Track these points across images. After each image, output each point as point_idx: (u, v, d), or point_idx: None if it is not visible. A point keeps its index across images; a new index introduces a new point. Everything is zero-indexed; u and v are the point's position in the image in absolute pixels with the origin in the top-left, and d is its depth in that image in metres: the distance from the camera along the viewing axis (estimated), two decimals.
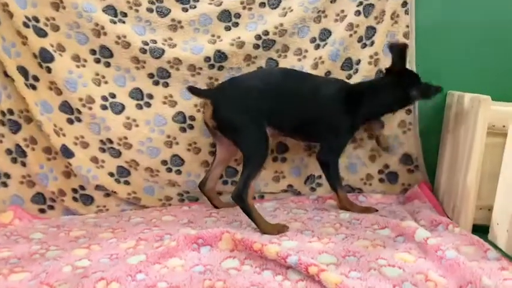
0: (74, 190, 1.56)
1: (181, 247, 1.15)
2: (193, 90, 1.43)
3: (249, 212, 1.33)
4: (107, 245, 1.23)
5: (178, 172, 1.60)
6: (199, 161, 1.61)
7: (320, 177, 1.67)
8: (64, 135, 1.51)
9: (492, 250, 1.11)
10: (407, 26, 1.61)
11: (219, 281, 1.02)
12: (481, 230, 1.27)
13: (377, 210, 1.47)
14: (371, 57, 1.60)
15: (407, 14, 1.60)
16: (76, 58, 1.51)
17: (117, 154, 1.56)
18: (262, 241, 1.16)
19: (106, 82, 1.54)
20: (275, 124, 1.43)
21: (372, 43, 1.60)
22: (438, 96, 1.62)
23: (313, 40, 1.61)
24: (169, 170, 1.60)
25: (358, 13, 1.57)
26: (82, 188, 1.57)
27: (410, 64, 1.63)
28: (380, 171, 1.68)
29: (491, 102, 1.21)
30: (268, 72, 1.53)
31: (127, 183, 1.58)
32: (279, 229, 1.30)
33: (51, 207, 1.56)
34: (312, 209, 1.52)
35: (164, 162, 1.59)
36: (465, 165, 1.28)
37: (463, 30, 1.63)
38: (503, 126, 1.20)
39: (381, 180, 1.68)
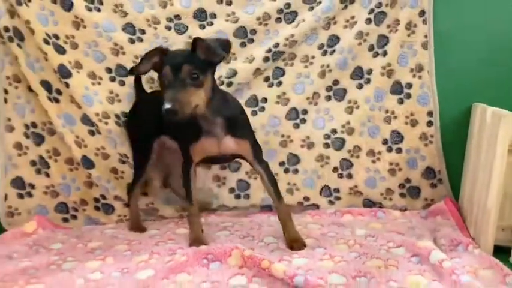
0: (96, 199, 1.61)
1: (190, 262, 1.16)
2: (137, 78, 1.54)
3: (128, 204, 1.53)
4: (121, 257, 1.25)
5: None
6: (211, 175, 1.62)
7: (337, 190, 1.64)
8: (85, 146, 1.55)
9: None
10: (426, 36, 1.56)
11: None
12: (505, 251, 1.21)
13: (305, 246, 1.28)
14: (383, 67, 1.57)
15: (426, 23, 1.55)
16: (92, 76, 1.54)
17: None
18: (272, 258, 1.15)
19: (119, 101, 1.56)
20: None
21: (385, 53, 1.56)
22: (463, 108, 1.58)
23: (320, 46, 1.59)
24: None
25: (368, 21, 1.54)
26: (103, 197, 1.60)
27: (430, 75, 1.57)
28: (401, 186, 1.63)
29: None
30: None
31: (145, 194, 1.61)
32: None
33: (74, 217, 1.61)
34: (328, 224, 1.49)
35: None
36: (486, 183, 1.22)
37: (485, 38, 1.56)
38: None
39: (402, 195, 1.63)
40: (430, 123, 1.59)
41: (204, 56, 1.16)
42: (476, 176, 1.34)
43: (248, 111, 1.59)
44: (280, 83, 1.60)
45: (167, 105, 1.08)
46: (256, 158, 1.32)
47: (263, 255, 1.18)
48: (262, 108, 1.61)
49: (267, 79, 1.60)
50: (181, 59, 1.14)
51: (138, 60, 1.51)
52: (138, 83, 1.55)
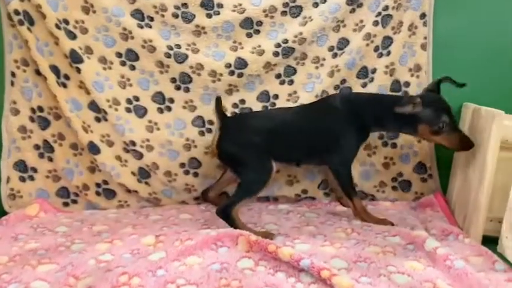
0: (98, 184, 1.63)
1: (199, 246, 1.21)
2: (218, 102, 1.52)
3: (235, 225, 1.36)
4: (128, 240, 1.28)
5: (196, 174, 1.66)
6: (216, 163, 1.66)
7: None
8: (92, 131, 1.57)
9: (500, 262, 1.14)
10: (425, 38, 1.64)
11: (234, 280, 1.07)
12: (492, 241, 1.29)
13: (393, 224, 1.42)
14: (387, 67, 1.64)
15: (426, 25, 1.63)
16: (103, 60, 1.57)
17: (139, 156, 1.61)
18: (277, 243, 1.20)
19: (131, 85, 1.60)
20: (283, 159, 1.49)
21: (388, 53, 1.64)
22: (454, 108, 1.67)
23: (331, 49, 1.65)
24: (186, 173, 1.65)
25: (376, 23, 1.61)
26: (105, 182, 1.63)
27: (427, 75, 1.66)
28: (393, 179, 1.71)
29: (505, 117, 1.24)
30: (275, 111, 1.61)
31: (147, 184, 1.64)
32: (265, 236, 1.29)
33: (75, 201, 1.63)
34: (325, 213, 1.56)
35: (182, 165, 1.64)
36: (478, 178, 1.30)
37: (481, 41, 1.66)
38: None
39: (394, 188, 1.71)
40: None
41: None
42: (467, 172, 1.43)
43: (259, 105, 1.66)
44: (291, 82, 1.66)
45: None
46: None
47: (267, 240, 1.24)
48: (273, 104, 1.66)
49: (278, 76, 1.65)
50: None
51: (146, 45, 1.56)
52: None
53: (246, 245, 1.22)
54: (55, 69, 1.53)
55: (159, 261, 1.12)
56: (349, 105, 1.48)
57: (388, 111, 1.40)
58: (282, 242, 1.27)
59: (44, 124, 1.57)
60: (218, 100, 1.51)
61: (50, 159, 1.59)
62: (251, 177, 1.42)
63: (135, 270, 1.07)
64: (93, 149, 1.57)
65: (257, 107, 1.65)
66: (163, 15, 1.58)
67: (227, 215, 1.37)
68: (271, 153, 1.45)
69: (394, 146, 1.69)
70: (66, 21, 1.53)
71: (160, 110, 1.63)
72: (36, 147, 1.58)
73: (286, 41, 1.61)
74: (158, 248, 1.22)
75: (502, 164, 1.25)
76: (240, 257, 1.18)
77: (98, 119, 1.58)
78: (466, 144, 1.36)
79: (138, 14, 1.57)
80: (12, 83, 1.54)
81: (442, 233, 1.35)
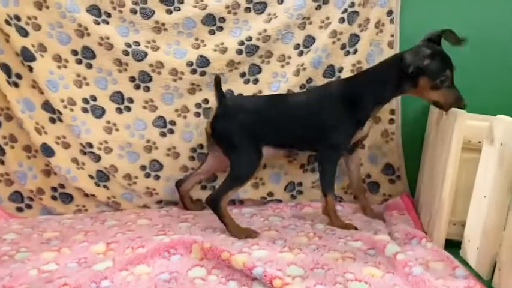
0: (54, 188, 1.56)
1: (150, 253, 1.15)
2: (217, 82, 1.42)
3: (222, 216, 1.35)
4: (77, 248, 1.22)
5: (157, 177, 1.60)
6: (179, 166, 1.60)
7: (300, 184, 1.66)
8: (46, 133, 1.50)
9: (461, 268, 1.10)
10: (392, 35, 1.60)
11: None
12: (455, 245, 1.26)
13: (356, 229, 1.39)
14: (353, 65, 1.60)
15: (392, 23, 1.59)
16: (57, 58, 1.50)
17: (97, 159, 1.54)
18: (232, 250, 1.15)
19: (87, 84, 1.53)
20: (275, 144, 1.46)
21: (355, 51, 1.59)
22: (421, 107, 1.63)
23: (297, 47, 1.60)
24: (147, 176, 1.59)
25: (342, 20, 1.56)
26: (62, 186, 1.56)
27: None
28: (361, 181, 1.67)
29: (468, 117, 1.20)
30: (269, 97, 1.54)
31: (106, 187, 1.58)
32: (248, 234, 1.31)
33: (29, 206, 1.56)
34: (289, 217, 1.51)
35: (143, 168, 1.58)
36: (440, 179, 1.27)
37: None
38: (479, 142, 1.19)
39: None
40: (391, 121, 1.64)
41: None
42: (432, 173, 1.39)
43: None
44: (256, 81, 1.60)
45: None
46: None
47: (223, 247, 1.18)
48: None
49: (243, 75, 1.59)
50: None
51: (103, 42, 1.50)
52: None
53: (199, 252, 1.17)
54: (6, 68, 1.45)
55: (105, 271, 1.06)
56: (346, 89, 1.42)
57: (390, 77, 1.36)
58: (240, 249, 1.22)
59: None
60: (217, 79, 1.43)
61: (2, 162, 1.51)
62: (242, 161, 1.39)
63: (78, 281, 1.01)
64: (47, 151, 1.49)
65: None
66: (121, 11, 1.52)
67: (216, 205, 1.35)
68: (264, 137, 1.42)
69: (361, 146, 1.65)
70: (18, 17, 1.45)
71: (119, 110, 1.56)
72: None
73: (250, 39, 1.55)
74: (108, 257, 1.16)
75: (464, 165, 1.21)
76: (192, 265, 1.13)
77: (52, 120, 1.51)
78: (460, 101, 1.31)
79: (94, 10, 1.51)
80: None
81: (405, 236, 1.31)
